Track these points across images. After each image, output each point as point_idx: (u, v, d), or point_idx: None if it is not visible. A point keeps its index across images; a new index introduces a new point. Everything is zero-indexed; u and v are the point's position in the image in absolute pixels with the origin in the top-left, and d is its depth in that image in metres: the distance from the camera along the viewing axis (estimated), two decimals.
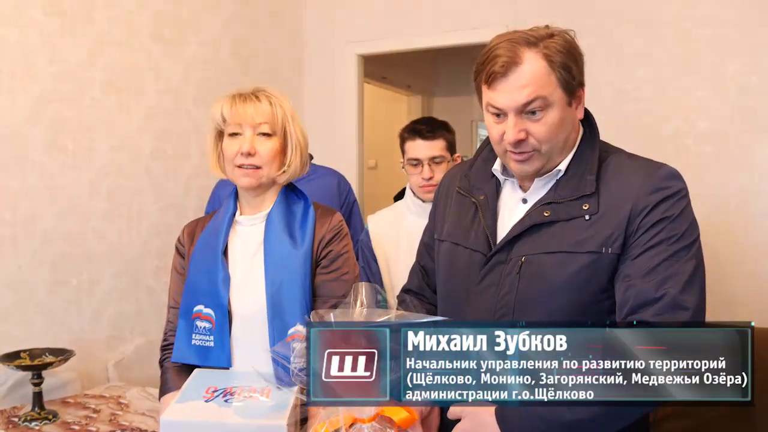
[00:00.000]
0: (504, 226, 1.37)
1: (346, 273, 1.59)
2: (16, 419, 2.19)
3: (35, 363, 2.23)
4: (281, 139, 1.55)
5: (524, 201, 1.37)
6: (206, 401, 1.36)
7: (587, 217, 1.27)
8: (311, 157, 2.68)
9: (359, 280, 2.32)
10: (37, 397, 2.22)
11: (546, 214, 1.30)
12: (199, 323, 1.54)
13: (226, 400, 1.36)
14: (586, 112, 1.39)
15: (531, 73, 1.24)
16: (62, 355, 2.30)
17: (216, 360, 1.52)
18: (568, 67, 1.26)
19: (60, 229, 2.64)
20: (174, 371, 1.57)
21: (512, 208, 1.38)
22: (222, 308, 1.52)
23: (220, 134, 1.58)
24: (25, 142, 2.53)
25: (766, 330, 2.27)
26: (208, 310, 1.54)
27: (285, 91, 2.66)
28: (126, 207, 2.91)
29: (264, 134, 1.53)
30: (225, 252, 1.57)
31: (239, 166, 1.53)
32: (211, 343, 1.53)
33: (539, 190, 1.35)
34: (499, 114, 1.28)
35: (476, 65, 1.31)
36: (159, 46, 3.07)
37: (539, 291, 1.27)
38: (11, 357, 2.25)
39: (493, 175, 1.43)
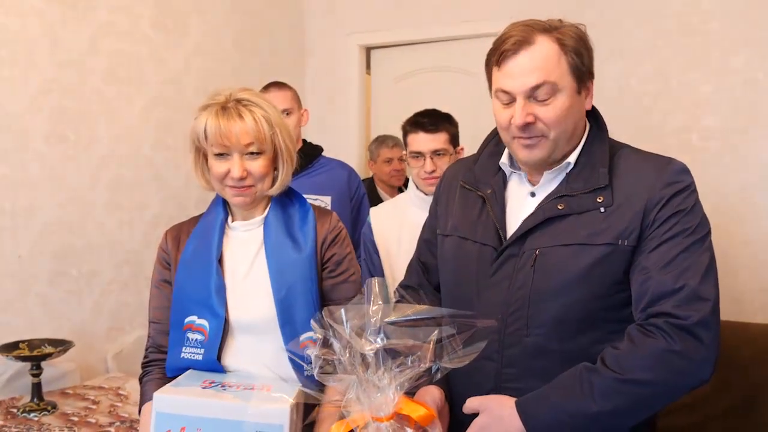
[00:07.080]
0: (513, 220, 1.36)
1: (353, 274, 1.55)
2: (14, 410, 2.18)
3: (34, 354, 2.23)
4: (270, 153, 1.47)
5: (533, 194, 1.36)
6: (203, 388, 1.33)
7: (602, 209, 1.27)
8: (321, 150, 2.68)
9: (361, 274, 2.33)
10: (36, 388, 2.22)
11: (560, 207, 1.29)
12: (191, 335, 1.45)
13: (224, 388, 1.33)
14: (593, 107, 1.39)
15: (542, 54, 1.25)
16: (61, 345, 2.29)
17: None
18: (580, 53, 1.27)
19: (61, 220, 2.63)
20: (156, 383, 1.45)
21: (520, 202, 1.38)
22: (218, 318, 1.44)
23: (199, 149, 1.50)
24: (26, 131, 2.51)
25: None
26: (202, 321, 1.45)
27: (286, 81, 2.67)
28: (127, 198, 2.90)
29: (252, 153, 1.44)
30: (220, 260, 1.50)
31: (231, 186, 1.47)
32: (200, 357, 1.44)
33: (549, 183, 1.35)
34: (508, 99, 1.29)
35: (489, 51, 1.32)
36: (161, 36, 3.05)
37: (554, 284, 1.26)
38: (10, 347, 2.24)
39: (500, 169, 1.42)
